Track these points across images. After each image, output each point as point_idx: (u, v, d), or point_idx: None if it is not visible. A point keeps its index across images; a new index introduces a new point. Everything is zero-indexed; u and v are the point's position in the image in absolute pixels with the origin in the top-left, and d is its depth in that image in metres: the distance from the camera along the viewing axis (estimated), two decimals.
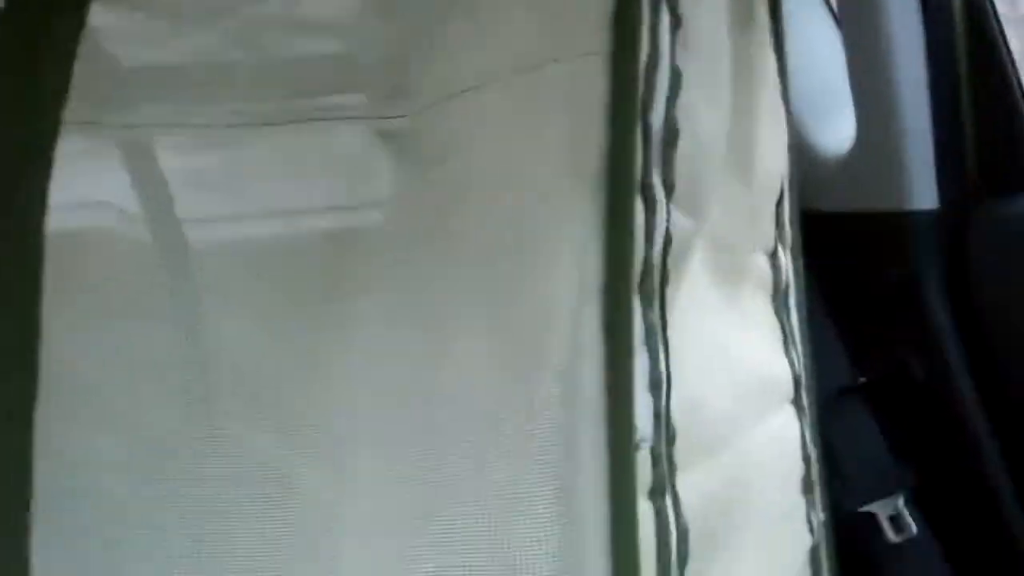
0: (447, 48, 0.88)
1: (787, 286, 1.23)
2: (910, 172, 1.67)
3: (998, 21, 1.69)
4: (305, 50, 0.93)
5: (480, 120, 0.87)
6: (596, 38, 0.84)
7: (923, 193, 1.67)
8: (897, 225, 1.70)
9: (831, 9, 1.86)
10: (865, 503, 1.70)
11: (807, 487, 1.19)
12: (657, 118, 0.87)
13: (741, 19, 1.07)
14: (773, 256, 1.21)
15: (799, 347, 1.23)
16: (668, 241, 0.89)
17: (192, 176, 0.91)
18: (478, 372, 0.85)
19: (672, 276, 0.91)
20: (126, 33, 0.90)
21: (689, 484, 0.92)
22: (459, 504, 0.83)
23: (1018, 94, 1.69)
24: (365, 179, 0.91)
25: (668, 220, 0.89)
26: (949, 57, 1.66)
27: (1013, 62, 1.70)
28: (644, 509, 0.86)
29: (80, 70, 0.87)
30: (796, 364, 1.22)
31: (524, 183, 0.86)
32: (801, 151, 1.47)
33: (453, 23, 0.88)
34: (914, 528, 1.68)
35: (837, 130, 1.79)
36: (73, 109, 0.86)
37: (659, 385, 0.87)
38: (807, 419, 1.22)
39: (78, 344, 0.85)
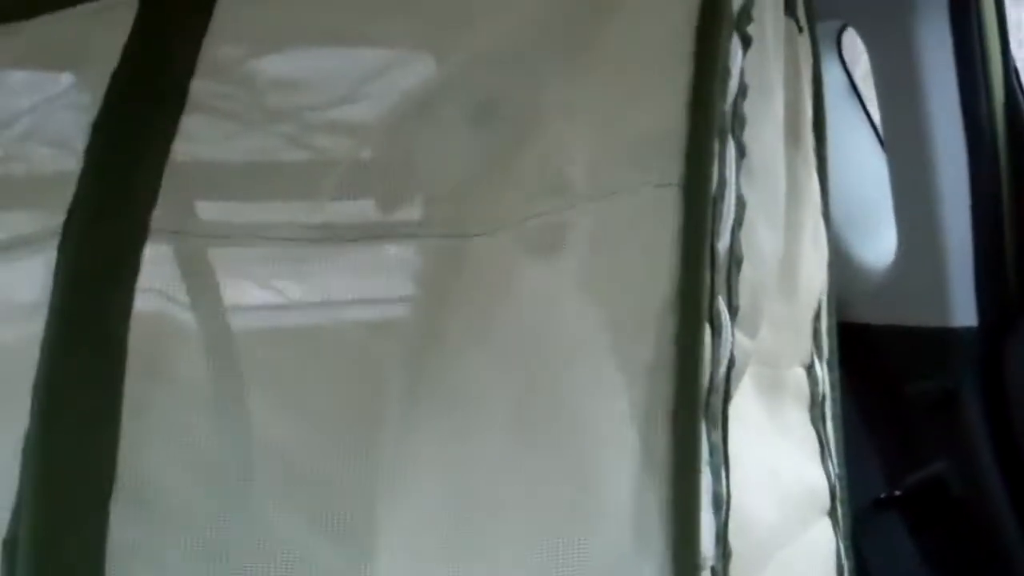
0: (523, 172, 0.91)
1: (824, 398, 1.24)
2: (951, 289, 1.69)
3: None
4: (359, 155, 0.97)
5: (549, 243, 0.89)
6: (669, 169, 0.87)
7: (963, 310, 1.69)
8: (936, 340, 1.72)
9: (875, 129, 1.90)
10: None
11: None
12: (723, 245, 0.89)
13: (791, 142, 1.10)
14: (810, 368, 1.21)
15: (835, 458, 1.24)
16: (731, 363, 0.90)
17: (248, 274, 0.95)
18: (530, 485, 0.85)
19: (732, 395, 0.92)
20: (201, 134, 0.95)
21: None
22: None
23: None
24: (412, 283, 0.94)
25: (732, 343, 0.90)
26: (991, 176, 1.69)
27: None
28: None
29: (166, 175, 0.92)
30: (832, 475, 1.22)
31: (586, 305, 0.87)
32: (841, 265, 1.50)
33: (527, 152, 0.91)
34: None
35: (878, 245, 1.82)
36: (158, 216, 0.91)
37: (720, 504, 0.87)
38: (842, 530, 1.23)
39: (142, 435, 0.89)
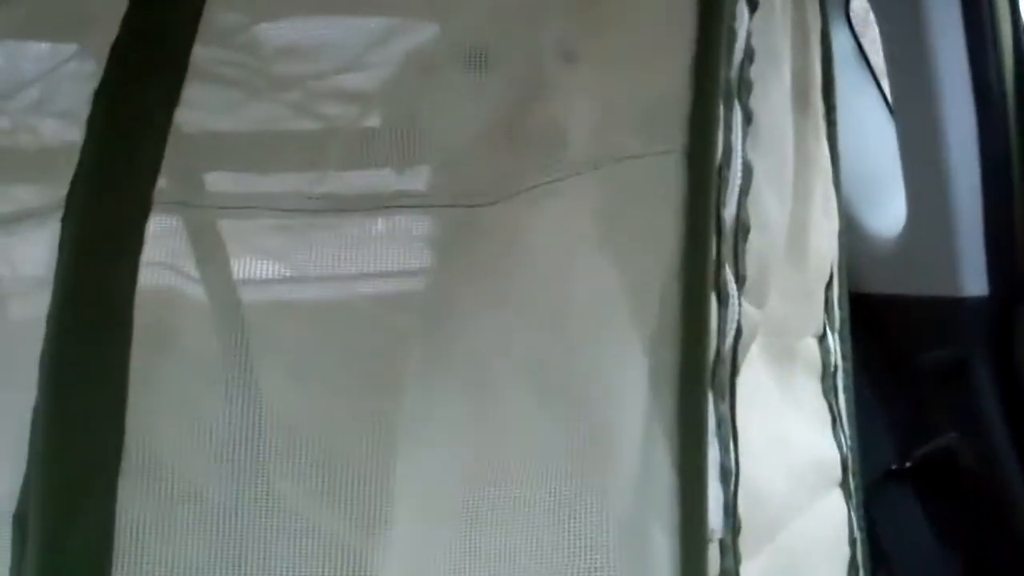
0: (529, 137, 0.91)
1: (836, 368, 1.23)
2: (961, 259, 1.69)
3: None
4: (364, 123, 0.97)
5: (557, 210, 0.89)
6: (674, 136, 0.87)
7: (974, 279, 1.69)
8: (947, 310, 1.72)
9: (884, 96, 1.89)
10: None
11: (853, 570, 1.19)
12: (729, 213, 0.89)
13: (799, 108, 1.09)
14: (822, 339, 1.21)
15: (846, 429, 1.24)
16: (739, 333, 0.90)
17: (256, 246, 0.95)
18: (543, 451, 0.86)
19: (740, 366, 0.92)
20: (204, 103, 0.95)
21: (751, 571, 0.92)
22: None
23: None
24: (422, 252, 0.94)
25: (739, 313, 0.90)
26: (1001, 146, 1.68)
27: None
28: None
29: (170, 145, 0.91)
30: (844, 446, 1.22)
31: (597, 273, 0.87)
32: (851, 234, 1.49)
33: (532, 117, 0.91)
34: None
35: (888, 213, 1.82)
36: (162, 188, 0.90)
37: (729, 476, 0.88)
38: (853, 502, 1.23)
39: (150, 407, 0.88)
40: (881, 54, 1.78)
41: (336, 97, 0.98)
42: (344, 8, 1.01)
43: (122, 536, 0.86)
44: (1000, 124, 1.68)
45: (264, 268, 0.94)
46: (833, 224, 1.22)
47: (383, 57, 0.97)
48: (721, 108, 0.88)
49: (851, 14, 1.89)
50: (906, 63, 1.71)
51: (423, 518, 0.88)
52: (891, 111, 1.83)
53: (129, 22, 0.95)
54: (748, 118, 0.92)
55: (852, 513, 1.21)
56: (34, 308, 0.90)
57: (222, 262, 0.93)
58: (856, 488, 1.24)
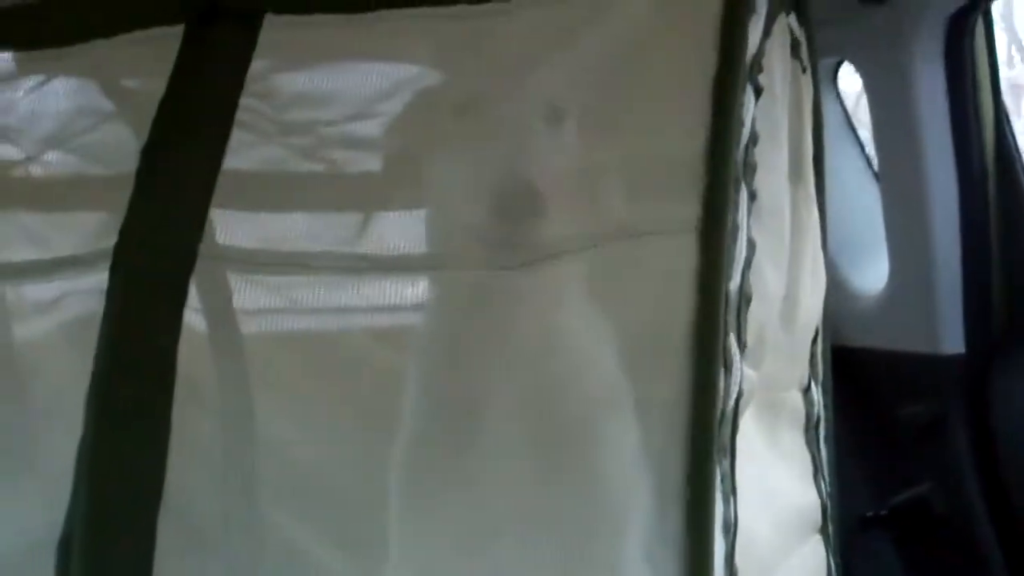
0: (554, 208, 0.95)
1: (818, 419, 1.28)
2: (940, 317, 1.74)
3: None
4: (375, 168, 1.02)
5: (576, 281, 0.94)
6: (689, 214, 0.92)
7: (951, 337, 1.74)
8: (925, 366, 1.77)
9: (869, 161, 1.96)
10: None
11: None
12: (734, 285, 0.94)
13: (793, 179, 1.15)
14: (807, 391, 1.26)
15: (827, 477, 1.28)
16: (740, 396, 0.95)
17: (277, 291, 1.00)
18: (546, 510, 0.89)
19: (739, 425, 0.97)
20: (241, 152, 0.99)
21: None
22: None
23: None
24: (434, 308, 0.98)
25: (741, 377, 0.95)
26: (980, 208, 1.74)
27: None
28: None
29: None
30: (824, 494, 1.26)
31: (609, 341, 0.92)
32: (836, 291, 1.54)
33: (554, 187, 0.96)
34: None
35: (871, 272, 1.87)
36: (205, 243, 0.95)
37: (729, 528, 0.92)
38: (831, 547, 1.27)
39: (185, 457, 0.93)
40: (868, 120, 1.84)
41: (346, 145, 1.03)
42: (360, 59, 1.04)
43: (159, 568, 0.91)
44: (980, 190, 1.74)
45: (292, 321, 0.98)
46: (820, 284, 1.27)
47: (391, 107, 1.02)
48: (732, 190, 0.93)
49: (839, 83, 1.96)
50: (892, 130, 1.77)
51: (419, 559, 0.92)
52: (876, 175, 1.89)
53: (177, 78, 1.00)
54: (752, 196, 0.98)
55: (831, 558, 1.26)
56: (75, 352, 0.95)
57: (254, 315, 0.98)
58: (834, 534, 1.28)
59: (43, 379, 0.99)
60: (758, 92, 0.99)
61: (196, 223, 0.96)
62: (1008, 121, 1.77)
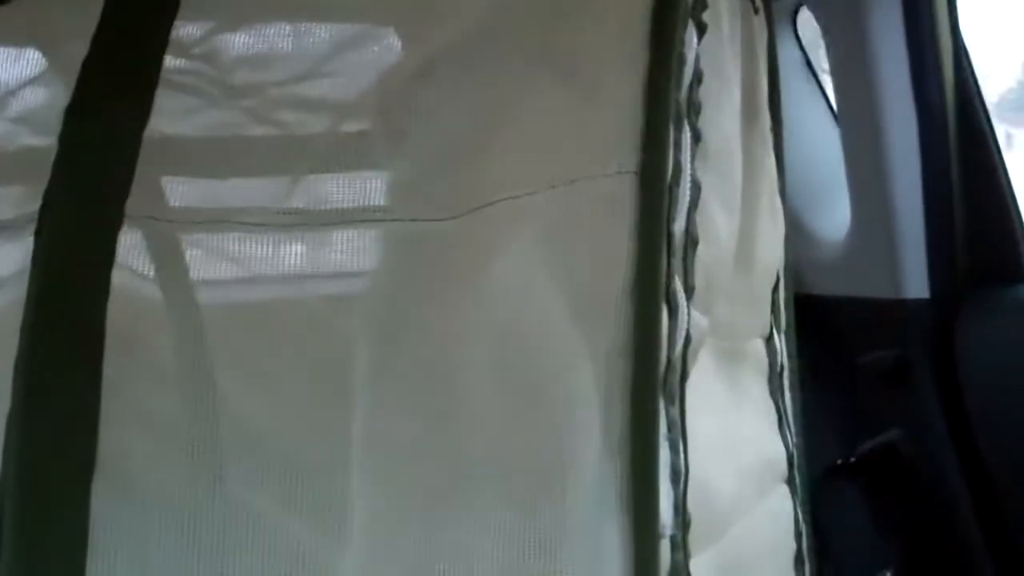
0: (486, 159, 0.93)
1: (782, 368, 1.27)
2: (903, 262, 1.74)
3: (987, 117, 1.77)
4: (331, 132, 0.98)
5: (514, 226, 0.92)
6: (627, 158, 0.90)
7: (915, 282, 1.74)
8: (890, 312, 1.77)
9: (830, 105, 1.94)
10: None
11: (799, 563, 1.23)
12: (679, 228, 0.93)
13: (747, 121, 1.13)
14: (769, 340, 1.26)
15: (792, 427, 1.27)
16: (688, 341, 0.94)
17: (220, 257, 0.97)
18: (499, 460, 0.89)
19: (689, 371, 0.96)
20: (167, 112, 0.96)
21: (701, 566, 0.95)
22: None
23: (1007, 189, 1.76)
24: (379, 261, 0.96)
25: (688, 322, 0.94)
26: (941, 152, 1.74)
27: (1002, 157, 1.77)
28: None
29: (141, 158, 0.93)
30: (790, 444, 1.26)
31: (552, 287, 0.90)
32: (797, 238, 1.53)
33: (492, 136, 0.93)
34: None
35: (833, 218, 1.86)
36: (133, 201, 0.92)
37: (679, 476, 0.91)
38: (799, 497, 1.27)
39: (117, 413, 0.90)
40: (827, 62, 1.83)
41: (295, 106, 0.99)
42: (304, 18, 1.01)
43: (95, 538, 0.88)
44: (940, 132, 1.73)
45: (227, 277, 0.96)
46: (779, 230, 1.26)
47: (341, 67, 0.99)
48: (671, 130, 0.91)
49: (798, 26, 1.94)
50: (850, 72, 1.76)
51: (381, 529, 0.90)
52: (836, 118, 1.88)
53: (99, 39, 0.97)
54: (697, 137, 0.96)
55: (797, 508, 1.25)
56: (4, 318, 0.92)
57: (186, 273, 0.95)
58: (801, 484, 1.28)
59: None
60: (701, 29, 0.97)
61: (122, 183, 0.92)
62: (968, 59, 1.75)
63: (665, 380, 0.90)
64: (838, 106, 1.85)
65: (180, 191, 0.97)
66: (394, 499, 0.91)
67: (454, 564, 0.88)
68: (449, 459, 0.90)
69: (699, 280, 0.95)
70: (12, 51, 1.04)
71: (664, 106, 0.90)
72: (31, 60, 1.04)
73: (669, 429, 0.90)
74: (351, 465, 0.91)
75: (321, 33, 1.00)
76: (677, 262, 0.92)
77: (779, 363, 1.27)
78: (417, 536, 0.89)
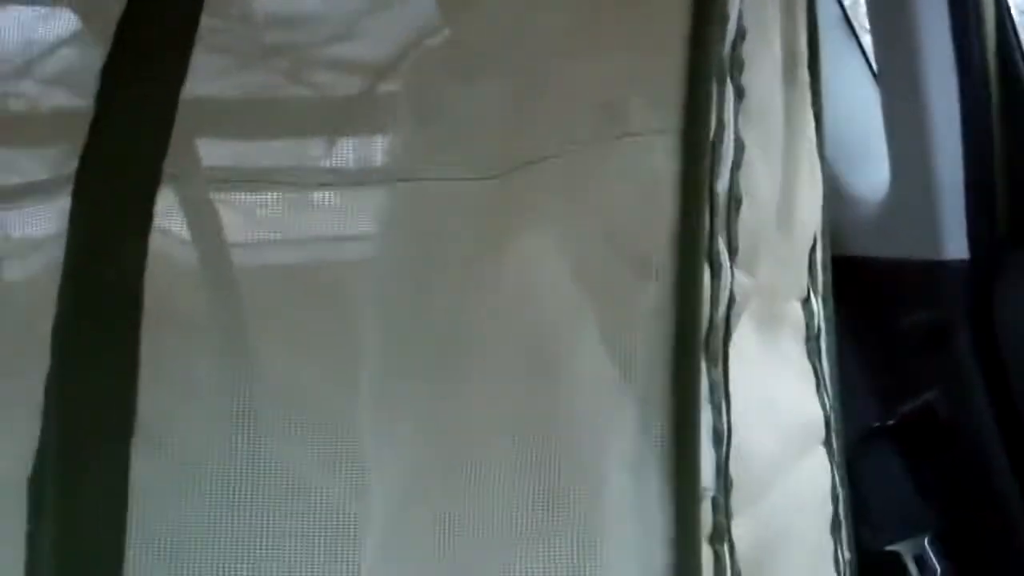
0: (525, 117, 0.93)
1: (819, 330, 1.26)
2: (942, 222, 1.71)
3: None
4: (358, 89, 0.98)
5: (556, 184, 0.91)
6: (670, 115, 0.89)
7: (955, 243, 1.72)
8: (928, 273, 1.75)
9: (869, 62, 1.91)
10: (891, 542, 1.73)
11: (835, 526, 1.22)
12: (722, 187, 0.92)
13: (787, 80, 1.11)
14: (806, 302, 1.24)
15: (829, 389, 1.27)
16: (731, 301, 0.93)
17: (258, 218, 0.97)
18: (523, 428, 0.88)
19: (732, 333, 0.95)
20: (203, 72, 0.96)
21: (741, 528, 0.95)
22: (509, 549, 0.87)
23: None
24: (400, 224, 0.96)
25: (732, 282, 0.93)
26: (983, 112, 1.71)
27: None
28: (705, 555, 0.90)
29: (178, 118, 0.93)
30: (827, 406, 1.25)
31: (592, 244, 0.90)
32: (835, 198, 1.52)
33: (531, 94, 0.93)
34: (938, 568, 1.71)
35: (871, 178, 1.84)
36: (171, 160, 0.92)
37: (721, 438, 0.91)
38: (836, 460, 1.26)
39: (156, 377, 0.91)
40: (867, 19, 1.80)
41: (331, 66, 0.99)
42: None
43: (134, 500, 0.89)
44: (982, 90, 1.70)
45: (263, 238, 0.96)
46: (817, 190, 1.24)
47: (376, 28, 0.98)
48: (714, 87, 0.90)
49: None
50: (890, 29, 1.73)
51: (398, 490, 0.90)
52: (875, 77, 1.85)
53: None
54: (740, 94, 0.95)
55: (835, 471, 1.24)
56: (41, 281, 0.92)
57: (222, 233, 0.96)
58: (839, 446, 1.27)
59: (13, 310, 0.96)
60: None
61: (160, 145, 0.92)
62: (1011, 17, 1.72)
63: (708, 341, 0.89)
64: (877, 62, 1.81)
65: (215, 152, 0.97)
66: (408, 464, 0.91)
67: (475, 530, 0.88)
68: (464, 428, 0.90)
69: (743, 240, 0.94)
70: (43, 10, 1.04)
71: (707, 62, 0.89)
72: (63, 20, 1.03)
73: (712, 391, 0.90)
74: (364, 427, 0.91)
75: None
76: (720, 222, 0.91)
77: (816, 325, 1.25)
78: (433, 501, 0.90)
